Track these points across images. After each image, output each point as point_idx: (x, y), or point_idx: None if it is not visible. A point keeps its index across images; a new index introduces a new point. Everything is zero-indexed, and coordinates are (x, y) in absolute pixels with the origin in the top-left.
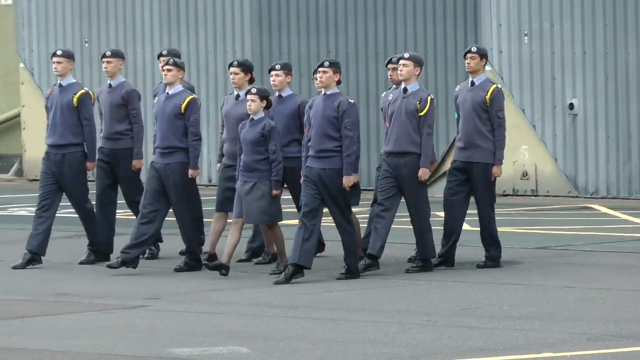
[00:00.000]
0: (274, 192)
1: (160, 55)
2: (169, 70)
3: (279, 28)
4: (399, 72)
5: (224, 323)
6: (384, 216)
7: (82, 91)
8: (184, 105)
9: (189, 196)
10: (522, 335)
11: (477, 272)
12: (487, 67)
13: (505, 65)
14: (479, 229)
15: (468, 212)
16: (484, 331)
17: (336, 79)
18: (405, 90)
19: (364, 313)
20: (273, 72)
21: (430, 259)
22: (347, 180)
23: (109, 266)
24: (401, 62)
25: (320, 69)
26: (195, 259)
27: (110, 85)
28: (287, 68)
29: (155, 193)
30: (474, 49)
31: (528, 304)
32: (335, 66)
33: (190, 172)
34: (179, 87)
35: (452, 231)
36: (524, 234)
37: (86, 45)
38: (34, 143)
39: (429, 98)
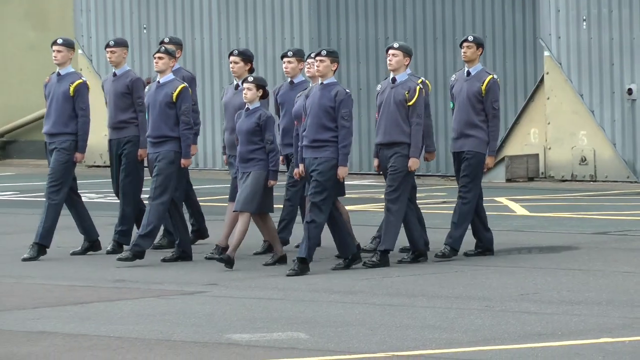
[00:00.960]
0: (271, 182)
1: (162, 42)
2: (160, 58)
3: (337, 13)
4: (388, 62)
5: (283, 309)
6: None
7: (80, 81)
8: (175, 94)
9: (170, 185)
10: (581, 320)
11: (535, 257)
12: (546, 53)
13: (564, 50)
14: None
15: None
16: (543, 316)
17: (334, 69)
18: (394, 80)
19: (422, 298)
20: (285, 59)
21: (390, 250)
22: (342, 171)
23: (119, 259)
24: (390, 51)
25: (317, 58)
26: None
27: (115, 74)
28: (299, 55)
29: None
30: (470, 37)
31: (587, 290)
32: (332, 55)
33: (183, 161)
34: (170, 76)
35: (473, 223)
36: (582, 219)
37: (144, 31)
38: (92, 129)
39: (418, 88)
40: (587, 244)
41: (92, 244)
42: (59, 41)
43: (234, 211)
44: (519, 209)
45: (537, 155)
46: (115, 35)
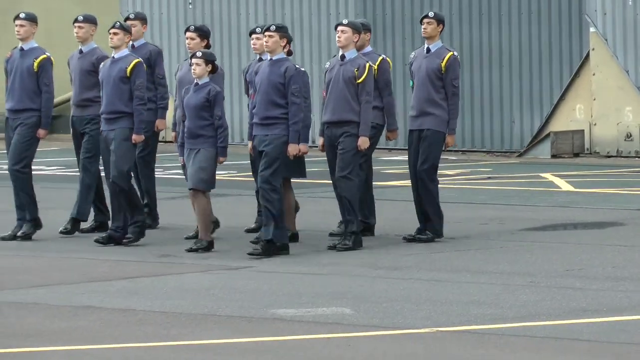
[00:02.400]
0: (221, 159)
1: (127, 18)
2: (115, 33)
3: None
4: (337, 38)
5: (328, 284)
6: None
7: (44, 56)
8: (129, 68)
9: (129, 162)
10: (626, 296)
11: (580, 233)
12: (591, 29)
13: (610, 26)
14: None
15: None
16: (588, 292)
17: (282, 44)
18: (342, 57)
19: (467, 274)
20: (267, 33)
21: (357, 232)
22: (292, 149)
23: (97, 241)
24: (339, 28)
25: (266, 33)
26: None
27: (81, 51)
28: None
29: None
30: (431, 14)
31: (632, 265)
32: (281, 31)
33: (134, 136)
34: (124, 51)
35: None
36: (627, 195)
37: (190, 7)
38: None
39: (367, 65)
40: (633, 220)
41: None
42: (22, 15)
43: (189, 189)
44: (564, 185)
45: (583, 131)
46: (160, 10)
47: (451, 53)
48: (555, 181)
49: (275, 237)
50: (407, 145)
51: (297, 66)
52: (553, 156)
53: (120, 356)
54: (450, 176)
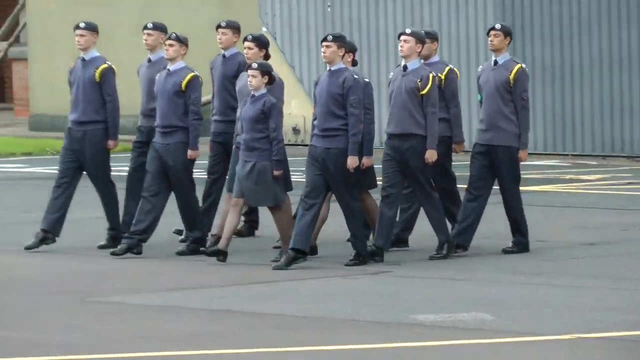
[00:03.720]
0: (275, 172)
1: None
2: (170, 45)
3: None
4: (399, 48)
5: (467, 289)
6: (388, 205)
7: (105, 65)
8: (184, 82)
9: (189, 178)
10: None
11: None
12: None
13: None
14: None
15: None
16: None
17: (341, 54)
18: (405, 68)
19: (607, 280)
20: (324, 43)
21: (451, 242)
22: (352, 161)
23: (113, 253)
24: (402, 37)
25: (324, 44)
26: (198, 242)
27: (149, 60)
28: (340, 40)
29: (157, 175)
30: (497, 26)
31: None
32: (339, 40)
33: (190, 152)
34: (180, 64)
35: (476, 216)
36: None
37: (328, 9)
38: None
39: (431, 75)
40: None
41: (46, 236)
42: (82, 25)
43: (234, 197)
44: None
45: None
46: (299, 14)
47: (519, 65)
48: None
49: (361, 249)
50: (471, 157)
51: (356, 76)
52: None
53: None
54: (590, 181)
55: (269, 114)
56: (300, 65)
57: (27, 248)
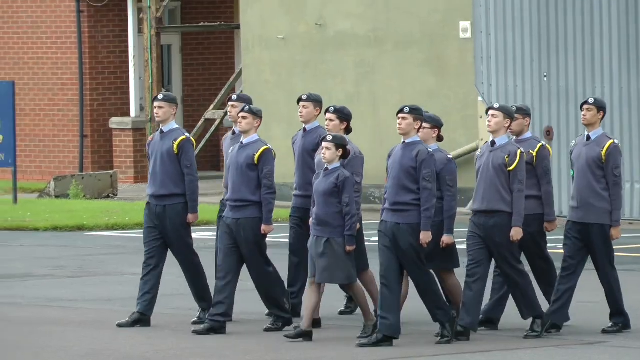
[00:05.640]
0: (348, 248)
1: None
2: (244, 117)
3: None
4: (487, 122)
5: None
6: (471, 288)
7: (183, 137)
8: (257, 155)
9: (262, 253)
10: None
11: None
12: None
13: None
14: None
15: None
16: None
17: (416, 127)
18: (493, 143)
19: None
20: (400, 115)
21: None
22: (424, 237)
23: (195, 332)
24: (490, 112)
25: (399, 115)
26: (283, 313)
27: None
28: (416, 113)
29: (229, 251)
30: (591, 100)
31: None
32: (416, 113)
33: (264, 227)
34: (254, 136)
35: (568, 295)
36: None
37: (545, 79)
38: None
39: (519, 152)
40: None
41: (141, 319)
42: (160, 97)
43: (314, 280)
44: None
45: None
46: (515, 84)
47: (612, 141)
48: None
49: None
50: (564, 235)
51: (430, 150)
52: None
53: None
54: None
55: (342, 188)
56: None
57: (119, 325)
